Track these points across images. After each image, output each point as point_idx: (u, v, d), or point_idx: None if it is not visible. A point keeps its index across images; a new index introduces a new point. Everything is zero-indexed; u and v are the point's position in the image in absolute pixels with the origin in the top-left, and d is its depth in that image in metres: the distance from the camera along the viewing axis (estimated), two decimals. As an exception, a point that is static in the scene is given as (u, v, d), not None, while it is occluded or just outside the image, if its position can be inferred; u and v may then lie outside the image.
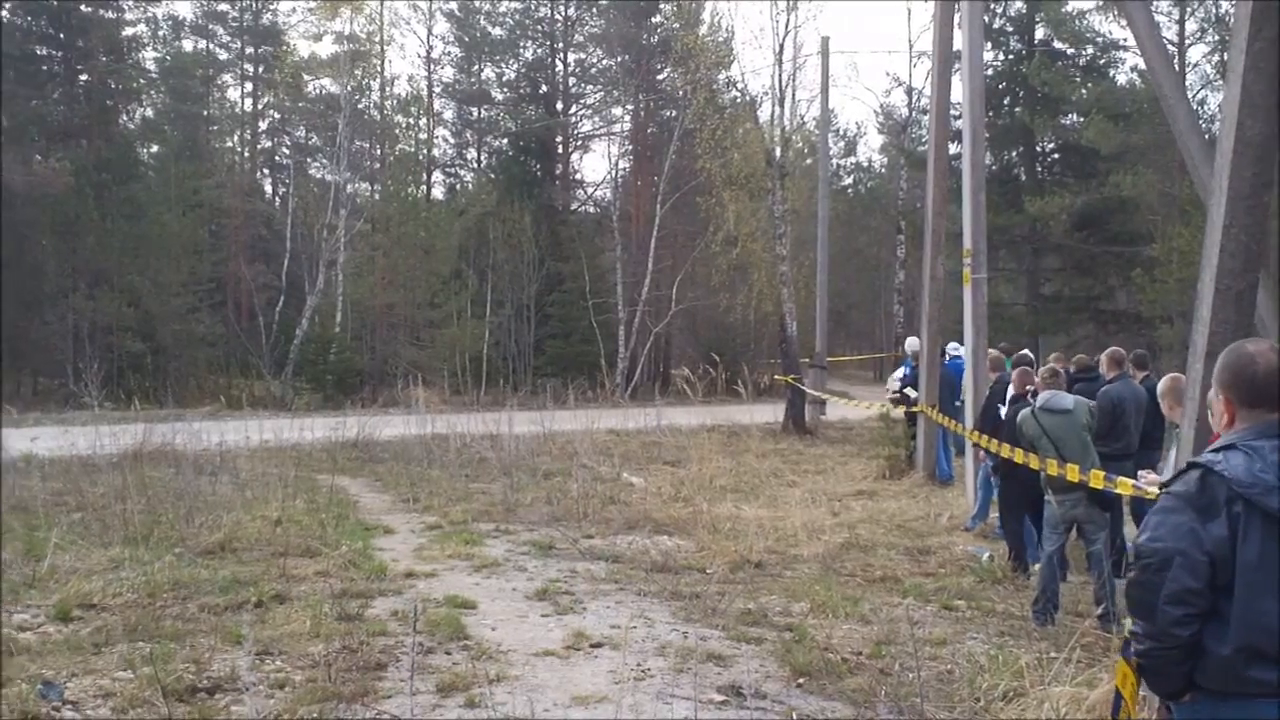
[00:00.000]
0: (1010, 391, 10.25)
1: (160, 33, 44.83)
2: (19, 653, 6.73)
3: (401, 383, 28.49)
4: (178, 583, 8.43)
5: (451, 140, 47.86)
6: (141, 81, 41.39)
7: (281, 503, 11.75)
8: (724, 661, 6.95)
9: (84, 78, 37.26)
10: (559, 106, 43.50)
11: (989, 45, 27.55)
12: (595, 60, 44.89)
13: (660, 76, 41.32)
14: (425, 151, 43.72)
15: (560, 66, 44.11)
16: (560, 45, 43.88)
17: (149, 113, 43.46)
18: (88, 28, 35.76)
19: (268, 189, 48.52)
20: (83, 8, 35.89)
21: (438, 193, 45.46)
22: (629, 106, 43.31)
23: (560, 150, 44.18)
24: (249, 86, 46.77)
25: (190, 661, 6.54)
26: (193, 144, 41.85)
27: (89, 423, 16.52)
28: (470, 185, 45.20)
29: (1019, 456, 8.83)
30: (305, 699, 5.97)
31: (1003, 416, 10.13)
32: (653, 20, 41.40)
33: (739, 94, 29.37)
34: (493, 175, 42.63)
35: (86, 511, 11.31)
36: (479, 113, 46.30)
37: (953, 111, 17.15)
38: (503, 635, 7.45)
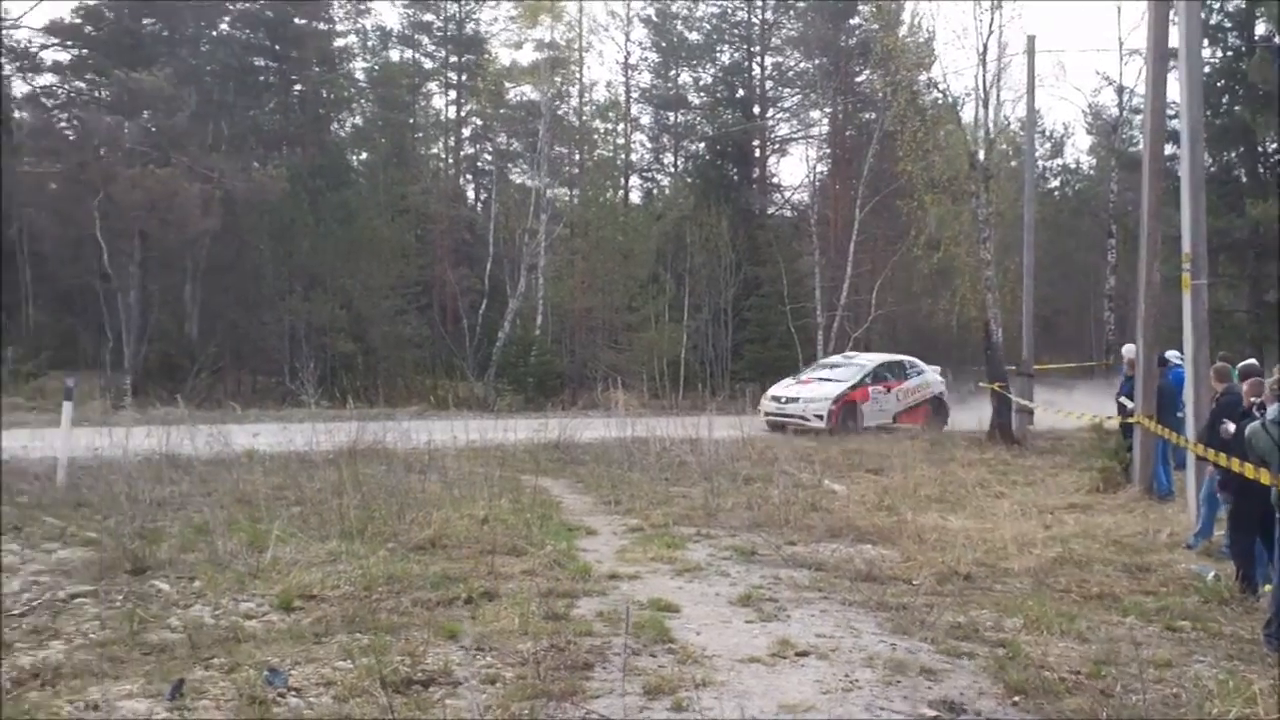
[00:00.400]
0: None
1: (369, 43, 46.25)
2: (245, 640, 7.03)
3: (601, 385, 28.89)
4: (391, 577, 8.67)
5: (649, 145, 48.30)
6: (351, 91, 43.01)
7: (488, 501, 11.97)
8: (934, 676, 6.75)
9: (298, 88, 39.10)
10: (756, 110, 43.46)
11: (1206, 42, 26.27)
12: (793, 63, 44.77)
13: (859, 79, 40.88)
14: (623, 156, 44.28)
15: (757, 70, 44.11)
16: (757, 49, 43.86)
17: (358, 121, 44.97)
18: (301, 40, 37.44)
19: (470, 194, 49.66)
20: (296, 20, 37.55)
21: (635, 197, 46.00)
22: (827, 109, 43.03)
23: (757, 154, 44.16)
24: (453, 94, 47.88)
25: (405, 654, 6.71)
26: (400, 151, 43.03)
27: (305, 420, 17.18)
28: (667, 190, 45.53)
29: (1249, 471, 8.36)
30: (516, 695, 6.05)
31: (1231, 430, 9.61)
32: (851, 22, 41.06)
33: (940, 95, 28.62)
34: (690, 179, 42.84)
35: (305, 505, 11.71)
36: (676, 117, 46.54)
37: (1168, 111, 16.37)
38: (707, 640, 7.41)
